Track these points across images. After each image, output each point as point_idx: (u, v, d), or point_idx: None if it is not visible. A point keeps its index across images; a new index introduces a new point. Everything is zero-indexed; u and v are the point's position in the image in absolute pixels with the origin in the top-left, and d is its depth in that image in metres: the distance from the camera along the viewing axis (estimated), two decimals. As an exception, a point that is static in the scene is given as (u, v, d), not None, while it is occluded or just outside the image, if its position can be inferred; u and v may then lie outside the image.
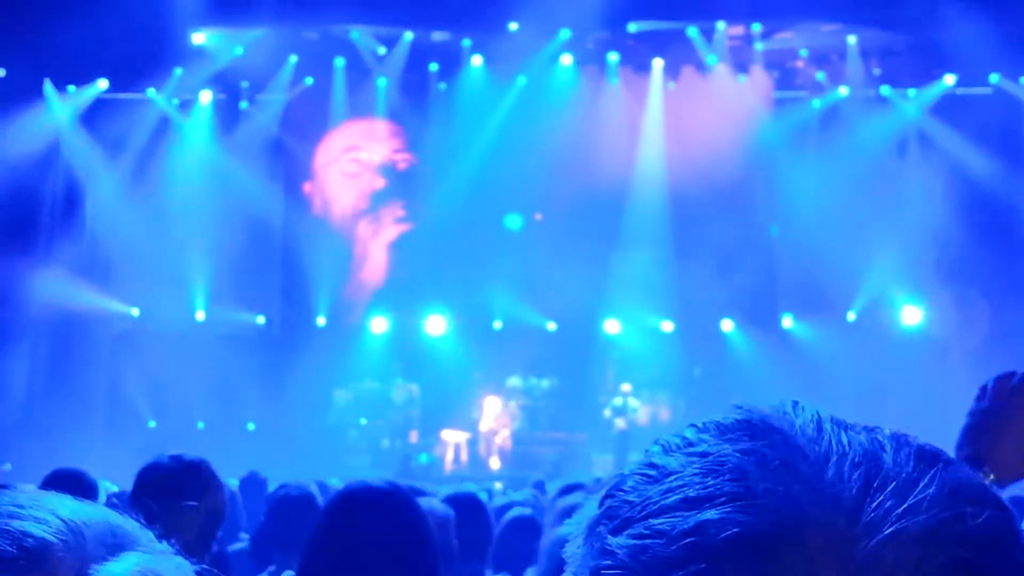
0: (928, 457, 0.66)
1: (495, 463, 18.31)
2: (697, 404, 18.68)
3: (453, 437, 18.66)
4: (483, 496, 5.29)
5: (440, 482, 12.97)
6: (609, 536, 0.67)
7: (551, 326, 19.40)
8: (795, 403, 0.71)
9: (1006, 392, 1.97)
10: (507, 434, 18.57)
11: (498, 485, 14.07)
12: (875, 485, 0.63)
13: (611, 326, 19.32)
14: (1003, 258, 16.25)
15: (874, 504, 0.62)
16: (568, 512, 3.99)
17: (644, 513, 0.66)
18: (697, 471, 0.66)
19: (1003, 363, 2.24)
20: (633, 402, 18.17)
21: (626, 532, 0.66)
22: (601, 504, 0.71)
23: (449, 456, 18.52)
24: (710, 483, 0.64)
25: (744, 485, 0.63)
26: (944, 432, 1.99)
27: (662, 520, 0.64)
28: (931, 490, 0.63)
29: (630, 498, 0.68)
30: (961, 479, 0.65)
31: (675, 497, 0.65)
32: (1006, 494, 1.93)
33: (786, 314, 19.19)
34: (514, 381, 19.27)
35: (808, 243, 18.20)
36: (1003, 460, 1.91)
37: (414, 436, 18.80)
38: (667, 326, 19.23)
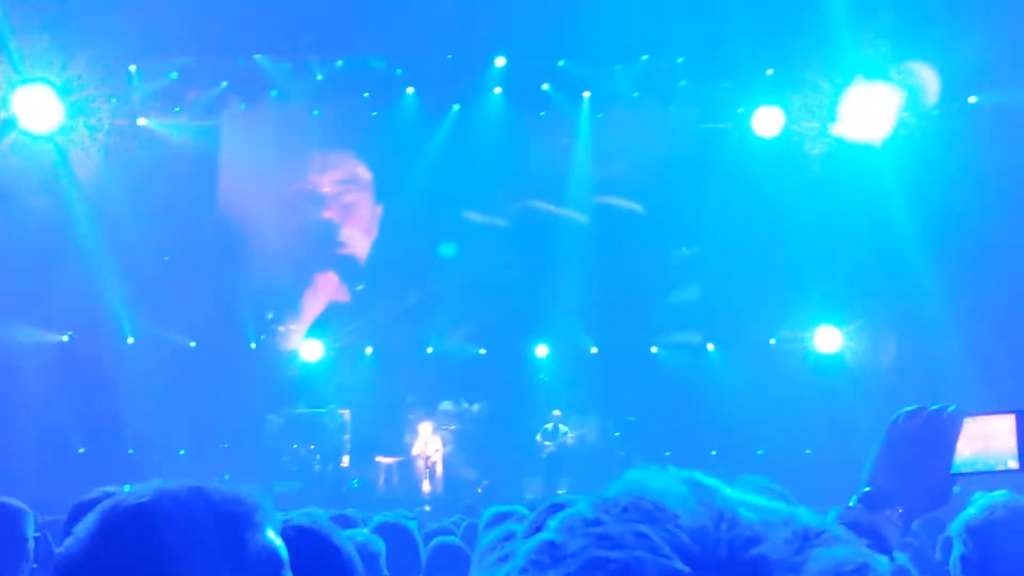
0: (812, 536, 0.68)
1: (427, 487, 18.37)
2: (625, 428, 19.00)
3: (385, 461, 18.69)
4: (413, 524, 5.37)
5: (372, 506, 12.98)
6: None
7: (481, 351, 19.57)
8: (690, 478, 0.73)
9: (910, 427, 1.99)
10: (439, 458, 18.63)
11: (427, 508, 14.18)
12: (762, 570, 0.65)
13: (540, 350, 19.54)
14: (912, 288, 16.66)
15: None
16: (497, 544, 4.15)
17: None
18: (595, 556, 0.67)
19: (914, 390, 2.29)
20: (563, 427, 18.34)
21: None
22: None
23: (381, 480, 18.54)
24: (608, 567, 0.66)
25: (640, 569, 0.65)
26: (859, 453, 2.13)
27: None
28: (814, 572, 0.65)
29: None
30: (842, 560, 0.67)
31: None
32: (915, 523, 2.05)
33: (708, 336, 19.50)
34: (445, 405, 19.40)
35: (731, 268, 18.62)
36: (910, 495, 1.96)
37: (346, 460, 18.79)
38: (594, 350, 19.47)
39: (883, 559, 0.71)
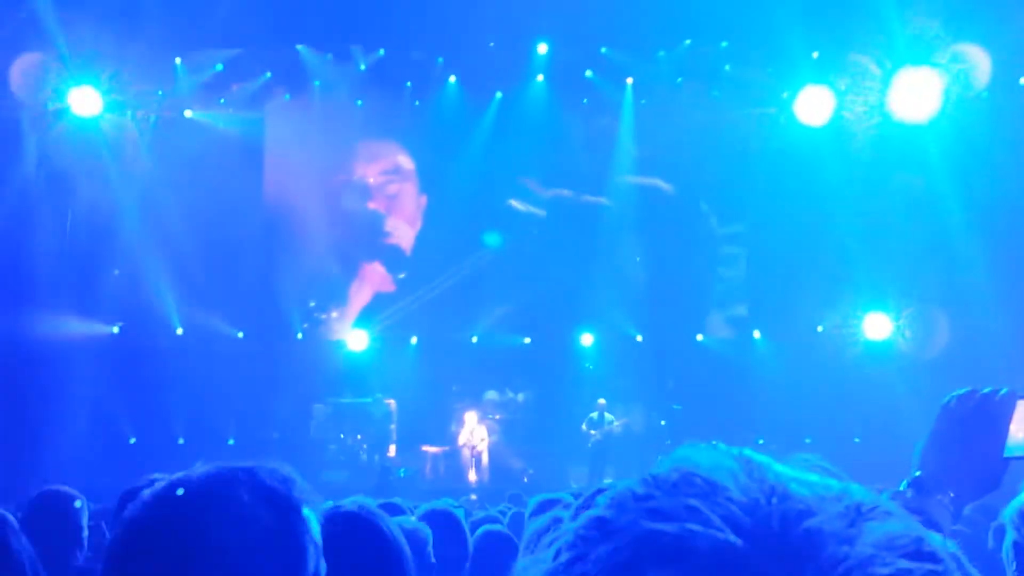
0: (866, 511, 0.67)
1: (472, 476, 18.44)
2: (671, 416, 18.94)
3: (431, 450, 18.78)
4: (459, 512, 5.38)
5: (418, 495, 13.05)
6: None
7: (526, 340, 19.58)
8: (740, 455, 0.72)
9: (962, 412, 1.98)
10: (484, 447, 18.69)
11: (473, 497, 14.22)
12: (816, 542, 0.64)
13: (586, 339, 19.52)
14: (964, 272, 16.46)
15: (815, 563, 0.63)
16: (545, 531, 4.15)
17: (596, 570, 0.67)
18: (647, 529, 0.67)
19: (965, 376, 2.25)
20: (608, 415, 18.32)
21: None
22: (554, 557, 0.71)
23: (428, 469, 18.64)
24: (659, 541, 0.65)
25: (691, 543, 0.65)
26: (909, 441, 2.10)
27: None
28: (868, 547, 0.64)
29: (581, 553, 0.69)
30: (897, 534, 0.66)
31: (626, 554, 0.66)
32: (967, 508, 2.03)
33: (754, 324, 19.38)
34: (491, 395, 19.45)
35: (778, 255, 18.48)
36: (962, 479, 1.94)
37: (392, 450, 18.90)
38: (640, 338, 19.43)
39: (937, 536, 0.70)
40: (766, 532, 0.65)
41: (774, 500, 0.67)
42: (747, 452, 0.73)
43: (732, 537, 0.65)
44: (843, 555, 0.64)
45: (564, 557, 0.70)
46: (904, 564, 0.65)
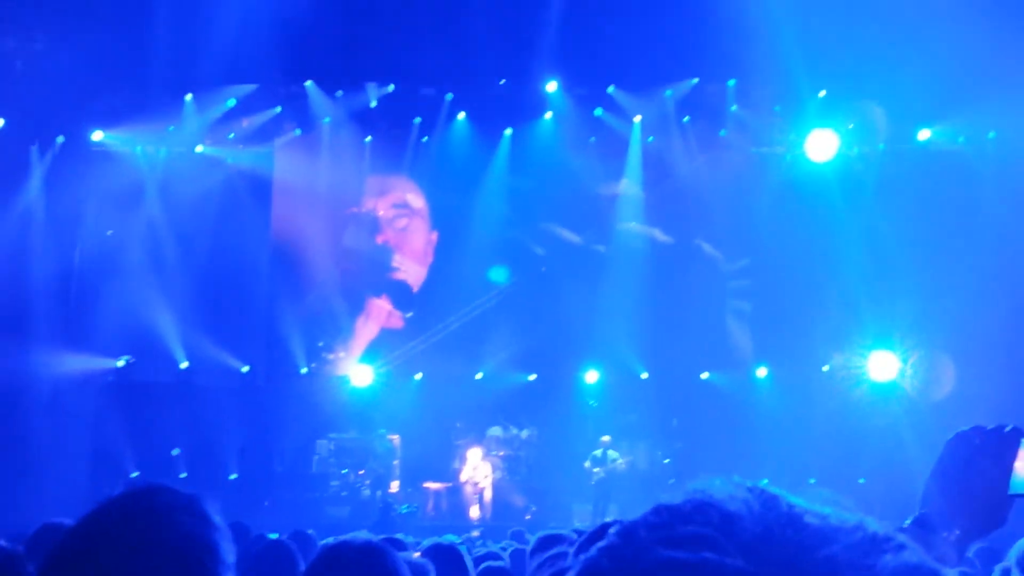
0: (881, 542, 0.67)
1: (475, 512, 18.33)
2: (675, 455, 18.87)
3: (433, 487, 18.70)
4: (463, 548, 5.35)
5: (420, 532, 12.99)
6: None
7: (531, 377, 19.56)
8: (753, 486, 0.71)
9: (968, 448, 1.97)
10: (487, 484, 18.60)
11: (475, 533, 14.14)
12: (831, 571, 0.64)
13: (590, 376, 19.49)
14: (970, 314, 16.45)
15: None
16: (548, 560, 4.14)
17: None
18: (660, 559, 0.66)
19: (970, 418, 2.24)
20: (612, 453, 18.24)
21: None
22: None
23: (430, 506, 18.54)
24: (673, 571, 0.65)
25: (705, 573, 0.64)
26: (915, 482, 2.09)
27: None
28: None
29: None
30: (911, 565, 0.66)
31: None
32: (972, 550, 2.01)
33: (759, 363, 19.34)
34: (494, 431, 19.39)
35: (784, 294, 18.48)
36: (969, 515, 1.93)
37: (395, 486, 18.82)
38: (645, 375, 19.40)
39: (950, 571, 0.69)
40: (781, 561, 0.64)
41: (789, 530, 0.66)
42: (761, 484, 0.72)
43: (747, 566, 0.64)
44: None
45: None
46: None
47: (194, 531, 1.68)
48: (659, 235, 19.89)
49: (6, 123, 18.39)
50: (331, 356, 20.30)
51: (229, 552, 1.73)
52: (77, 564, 1.62)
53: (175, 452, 18.09)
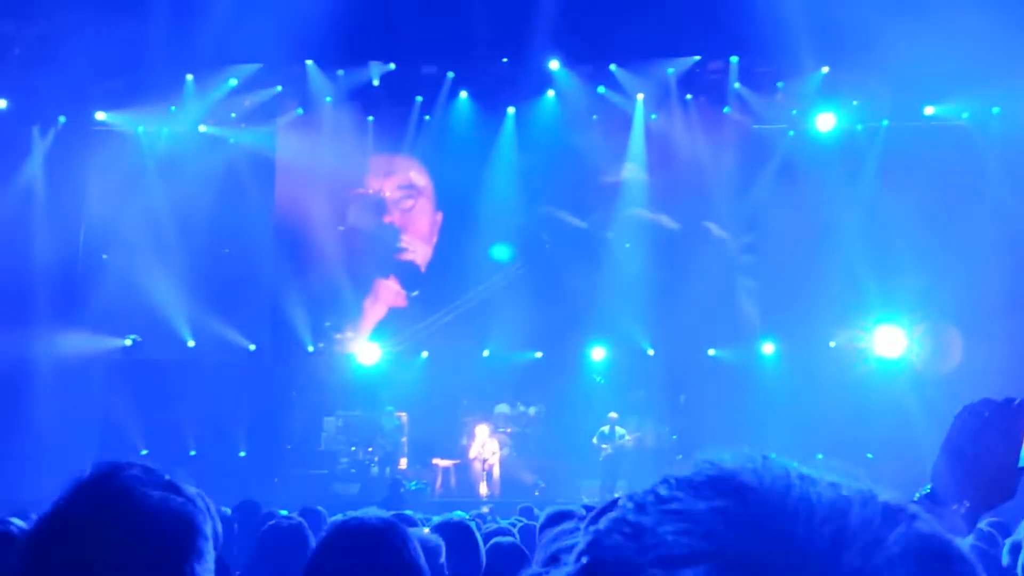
0: (893, 513, 0.67)
1: (484, 489, 18.40)
2: (682, 431, 18.90)
3: (442, 464, 18.78)
4: (473, 525, 5.38)
5: (429, 508, 13.04)
6: None
7: (538, 354, 19.58)
8: (764, 457, 0.71)
9: (977, 420, 1.97)
10: (495, 461, 18.66)
11: (484, 509, 14.20)
12: (843, 543, 0.63)
13: (597, 353, 19.50)
14: (977, 288, 16.44)
15: (842, 562, 0.63)
16: (561, 535, 4.15)
17: (620, 571, 0.66)
18: (671, 530, 0.66)
19: (977, 389, 2.25)
20: (620, 429, 18.28)
21: None
22: (577, 560, 0.70)
23: (438, 482, 18.62)
24: (684, 542, 0.65)
25: (716, 544, 0.64)
26: (923, 457, 2.09)
27: None
28: (896, 548, 0.64)
29: (606, 556, 0.68)
30: (925, 535, 0.66)
31: (651, 555, 0.65)
32: (983, 522, 2.00)
33: (766, 339, 19.32)
34: (502, 408, 19.44)
35: (790, 270, 18.46)
36: (978, 488, 1.93)
37: (403, 463, 18.89)
38: (652, 352, 19.41)
39: (963, 540, 0.70)
40: (793, 532, 0.64)
41: (801, 502, 0.66)
42: (771, 455, 0.72)
43: (759, 537, 0.64)
44: (872, 555, 0.64)
45: (587, 559, 0.69)
46: (933, 565, 0.65)
47: (166, 503, 1.65)
48: (667, 221, 19.83)
49: (8, 104, 18.40)
50: (338, 335, 20.33)
51: (205, 522, 1.70)
52: (52, 552, 1.60)
53: (192, 453, 18.17)
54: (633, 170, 20.07)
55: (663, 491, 0.70)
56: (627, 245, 19.81)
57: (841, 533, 0.64)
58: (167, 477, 1.71)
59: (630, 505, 0.71)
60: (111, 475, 1.67)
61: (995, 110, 18.40)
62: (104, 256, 19.01)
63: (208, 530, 1.69)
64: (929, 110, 18.64)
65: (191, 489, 1.68)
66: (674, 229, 19.79)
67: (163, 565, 1.61)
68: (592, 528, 0.71)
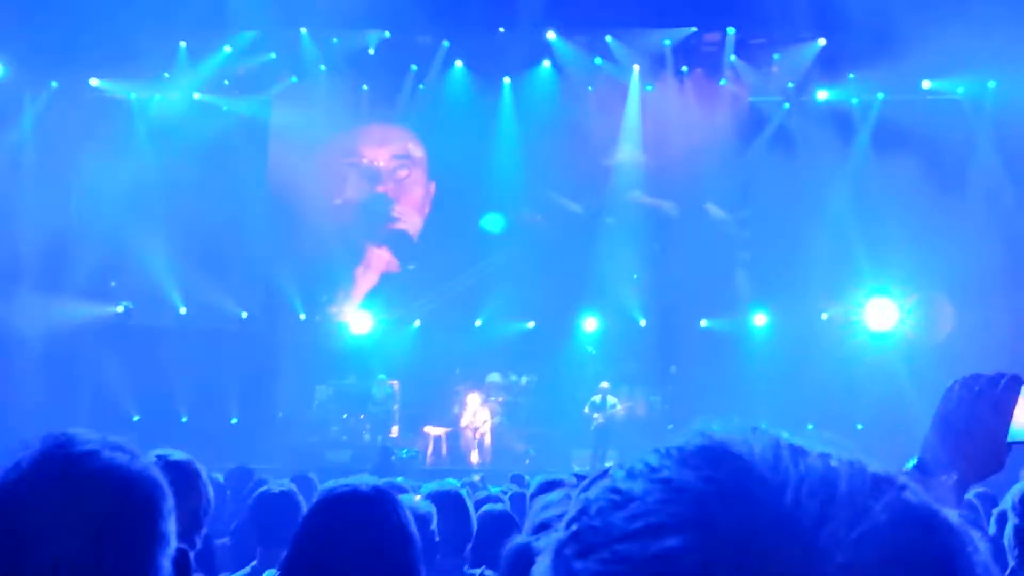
0: (882, 483, 0.67)
1: (475, 457, 18.49)
2: (673, 401, 18.97)
3: (434, 432, 18.84)
4: (464, 493, 5.41)
5: (420, 476, 13.10)
6: (575, 560, 0.67)
7: (530, 324, 19.60)
8: (754, 428, 0.71)
9: (968, 393, 1.98)
10: (487, 429, 18.73)
11: (476, 477, 14.27)
12: (831, 513, 0.64)
13: (589, 323, 19.54)
14: (969, 261, 16.47)
15: (829, 531, 0.63)
16: (553, 504, 4.17)
17: (609, 538, 0.66)
18: (659, 498, 0.66)
19: (968, 362, 2.25)
20: (611, 399, 18.34)
21: (592, 556, 0.67)
22: (567, 526, 0.71)
23: (430, 450, 18.69)
24: (672, 511, 0.65)
25: (704, 513, 0.64)
26: (913, 429, 2.10)
27: (626, 546, 0.65)
28: (884, 517, 0.64)
29: (595, 523, 0.68)
30: (913, 505, 0.66)
31: (639, 524, 0.66)
32: (971, 492, 2.02)
33: (758, 310, 19.34)
34: (494, 377, 19.48)
35: (782, 243, 18.46)
36: (968, 460, 1.95)
37: (395, 431, 18.95)
38: (643, 323, 19.45)
39: (952, 511, 0.70)
40: (781, 501, 0.65)
41: (791, 469, 0.67)
42: (762, 425, 0.73)
43: (747, 506, 0.65)
44: (859, 524, 0.64)
45: (576, 526, 0.70)
46: (921, 533, 0.65)
47: (122, 465, 1.61)
48: (666, 206, 19.80)
49: (6, 71, 18.33)
50: (330, 303, 20.32)
51: (164, 518, 1.64)
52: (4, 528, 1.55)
53: (184, 420, 18.19)
54: (628, 142, 20.01)
55: (654, 460, 0.70)
56: (609, 220, 19.76)
57: (830, 503, 0.64)
58: (115, 442, 1.67)
59: (620, 473, 0.71)
60: (61, 445, 1.63)
61: (991, 84, 18.38)
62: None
63: (169, 501, 1.65)
64: (926, 84, 18.61)
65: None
66: (668, 204, 19.76)
67: (127, 528, 1.58)
68: (582, 496, 0.72)
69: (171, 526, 1.63)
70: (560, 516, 0.73)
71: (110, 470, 1.59)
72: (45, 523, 1.52)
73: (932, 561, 0.64)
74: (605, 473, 0.73)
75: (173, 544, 1.63)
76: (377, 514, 2.57)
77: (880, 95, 18.99)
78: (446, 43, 19.68)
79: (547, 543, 0.72)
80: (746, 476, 0.66)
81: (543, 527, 3.06)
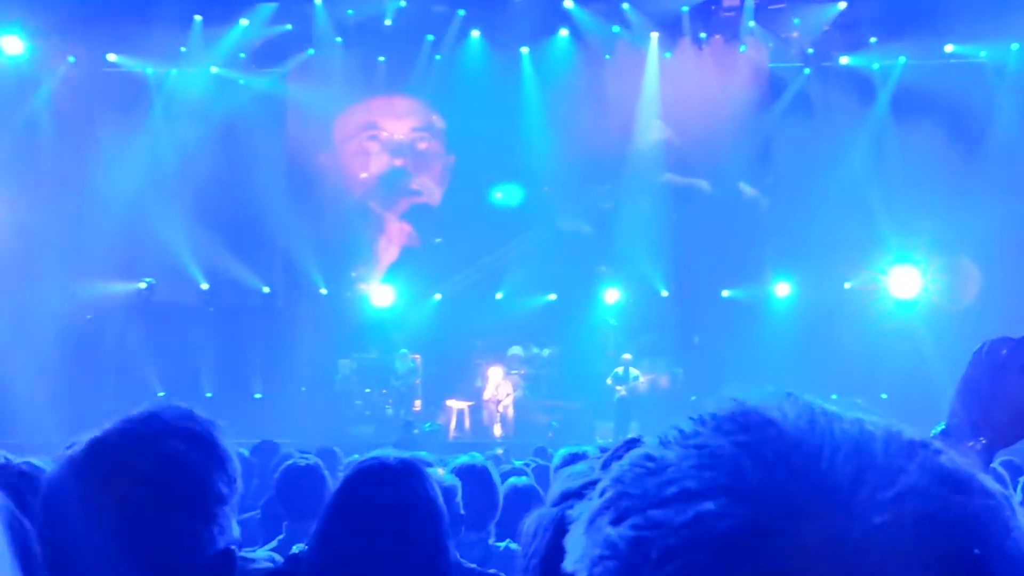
0: (916, 446, 0.67)
1: (497, 430, 18.53)
2: (696, 372, 18.92)
3: (456, 405, 18.89)
4: (490, 465, 5.41)
5: (443, 449, 13.13)
6: (609, 527, 0.68)
7: (551, 296, 19.58)
8: (788, 394, 0.71)
9: (995, 358, 1.95)
10: (509, 402, 18.76)
11: (499, 451, 14.30)
12: (866, 476, 0.64)
13: (611, 295, 19.50)
14: (993, 227, 16.34)
15: (865, 494, 0.63)
16: (579, 473, 4.17)
17: (643, 505, 0.67)
18: (694, 464, 0.67)
19: (994, 328, 2.24)
20: (634, 370, 18.31)
21: (626, 523, 0.67)
22: (601, 494, 0.71)
23: (452, 424, 18.75)
24: (706, 476, 0.65)
25: (739, 477, 0.64)
26: (937, 398, 2.09)
27: (660, 512, 0.65)
28: (919, 479, 0.64)
29: (629, 490, 0.69)
30: (948, 468, 0.66)
31: (673, 489, 0.66)
32: (998, 459, 2.01)
33: (781, 280, 19.24)
34: (516, 350, 19.49)
35: (805, 211, 18.36)
36: (994, 426, 1.91)
37: (418, 405, 19.01)
38: (665, 293, 19.40)
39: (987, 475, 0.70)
40: (816, 466, 0.65)
41: (824, 436, 0.67)
42: (793, 392, 0.72)
43: (781, 470, 0.65)
44: (896, 484, 0.64)
45: (610, 493, 0.70)
46: (957, 495, 0.65)
47: (182, 458, 1.70)
48: (699, 183, 19.66)
49: (25, 48, 18.35)
50: (352, 277, 20.35)
51: (224, 481, 1.75)
52: (67, 496, 1.67)
53: (208, 395, 18.31)
54: (648, 111, 19.89)
55: (687, 427, 0.70)
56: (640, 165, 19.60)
57: (865, 466, 0.65)
58: (196, 430, 1.79)
59: (654, 441, 0.72)
60: (139, 423, 1.76)
61: (1014, 46, 18.17)
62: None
63: (226, 489, 1.75)
64: (949, 48, 18.41)
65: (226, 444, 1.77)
66: (689, 166, 19.64)
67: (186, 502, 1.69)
68: (616, 464, 0.72)
69: (231, 487, 1.76)
70: (584, 486, 0.73)
71: (151, 462, 1.69)
72: (123, 475, 1.65)
73: (968, 522, 0.64)
74: (630, 444, 0.72)
75: (234, 501, 1.76)
76: (407, 487, 2.58)
77: (902, 59, 18.80)
78: (461, 12, 19.55)
79: (580, 511, 0.72)
80: (781, 440, 0.66)
81: (575, 495, 3.06)
